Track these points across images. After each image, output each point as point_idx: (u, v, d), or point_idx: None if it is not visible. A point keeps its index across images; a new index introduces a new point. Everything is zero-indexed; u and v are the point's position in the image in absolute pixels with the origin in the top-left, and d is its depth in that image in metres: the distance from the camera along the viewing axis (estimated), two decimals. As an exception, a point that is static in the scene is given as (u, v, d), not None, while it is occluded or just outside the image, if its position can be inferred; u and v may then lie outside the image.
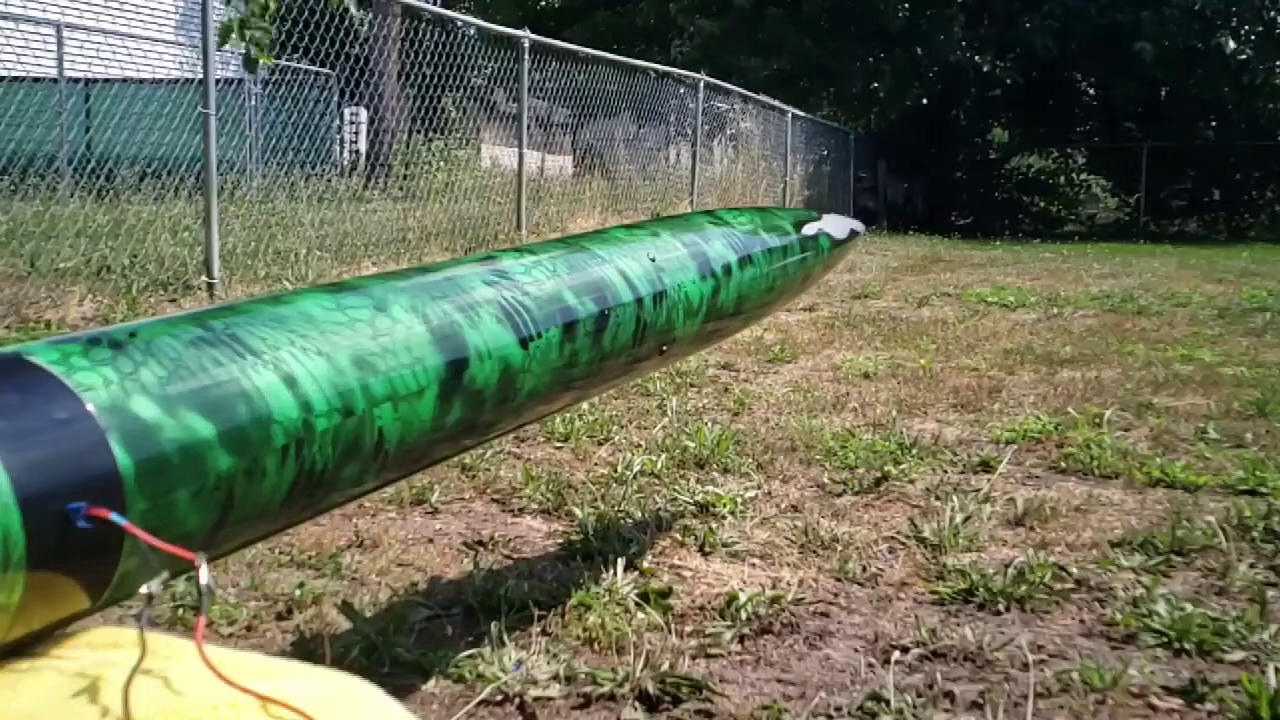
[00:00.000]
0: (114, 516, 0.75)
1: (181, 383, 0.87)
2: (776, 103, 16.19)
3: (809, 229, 2.00)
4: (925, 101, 20.79)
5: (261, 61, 4.79)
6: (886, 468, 2.77)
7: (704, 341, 1.81)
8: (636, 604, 1.85)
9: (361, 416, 1.01)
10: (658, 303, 1.50)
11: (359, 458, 1.03)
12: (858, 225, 2.27)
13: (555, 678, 1.58)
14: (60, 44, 11.18)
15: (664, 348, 1.60)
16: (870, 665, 1.67)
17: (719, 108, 14.75)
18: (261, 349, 0.95)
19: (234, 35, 4.80)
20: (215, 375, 0.90)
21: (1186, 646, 1.72)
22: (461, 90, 9.85)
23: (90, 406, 0.79)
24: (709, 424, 3.21)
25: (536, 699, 1.53)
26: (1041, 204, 23.43)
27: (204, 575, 0.78)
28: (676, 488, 2.57)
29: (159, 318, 0.98)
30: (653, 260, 1.53)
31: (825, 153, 19.20)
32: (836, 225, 2.12)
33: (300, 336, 1.00)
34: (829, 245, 2.08)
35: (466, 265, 1.28)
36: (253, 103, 10.65)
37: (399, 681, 1.56)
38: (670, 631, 1.76)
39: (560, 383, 1.34)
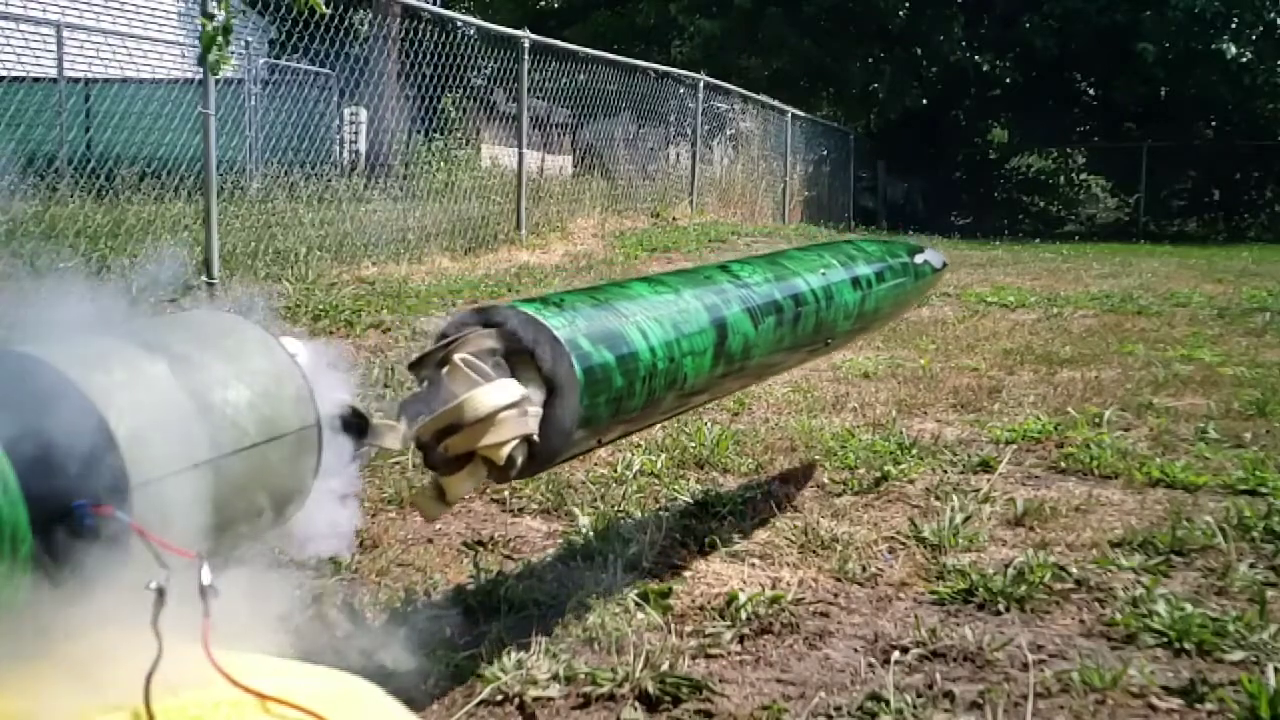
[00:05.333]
0: (119, 514, 0.75)
1: (596, 329, 1.39)
2: (776, 103, 16.19)
3: (918, 258, 2.50)
4: (925, 101, 20.79)
5: (262, 61, 4.90)
6: (886, 468, 2.77)
7: (851, 337, 2.30)
8: (636, 604, 1.85)
9: (678, 362, 1.52)
10: (829, 305, 1.99)
11: (673, 391, 1.54)
12: (945, 258, 2.79)
13: (555, 678, 1.58)
14: (60, 44, 11.18)
15: (828, 340, 2.10)
16: (870, 665, 1.67)
17: (719, 108, 14.75)
18: (626, 313, 1.47)
19: (219, 40, 4.91)
20: (610, 327, 1.41)
21: (1186, 646, 1.72)
22: (461, 90, 9.85)
23: (559, 334, 1.31)
24: (709, 424, 3.21)
25: (536, 699, 1.53)
26: (1041, 204, 23.44)
27: (205, 574, 0.78)
28: (676, 488, 2.57)
29: (565, 290, 1.53)
30: (823, 274, 2.01)
31: (825, 153, 19.22)
32: (934, 256, 2.62)
33: (643, 308, 1.51)
34: (930, 271, 2.59)
35: (713, 269, 1.82)
36: (252, 103, 10.64)
37: (399, 682, 1.56)
38: (670, 631, 1.76)
39: (772, 357, 1.84)
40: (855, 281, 2.10)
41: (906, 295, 2.44)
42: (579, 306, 1.41)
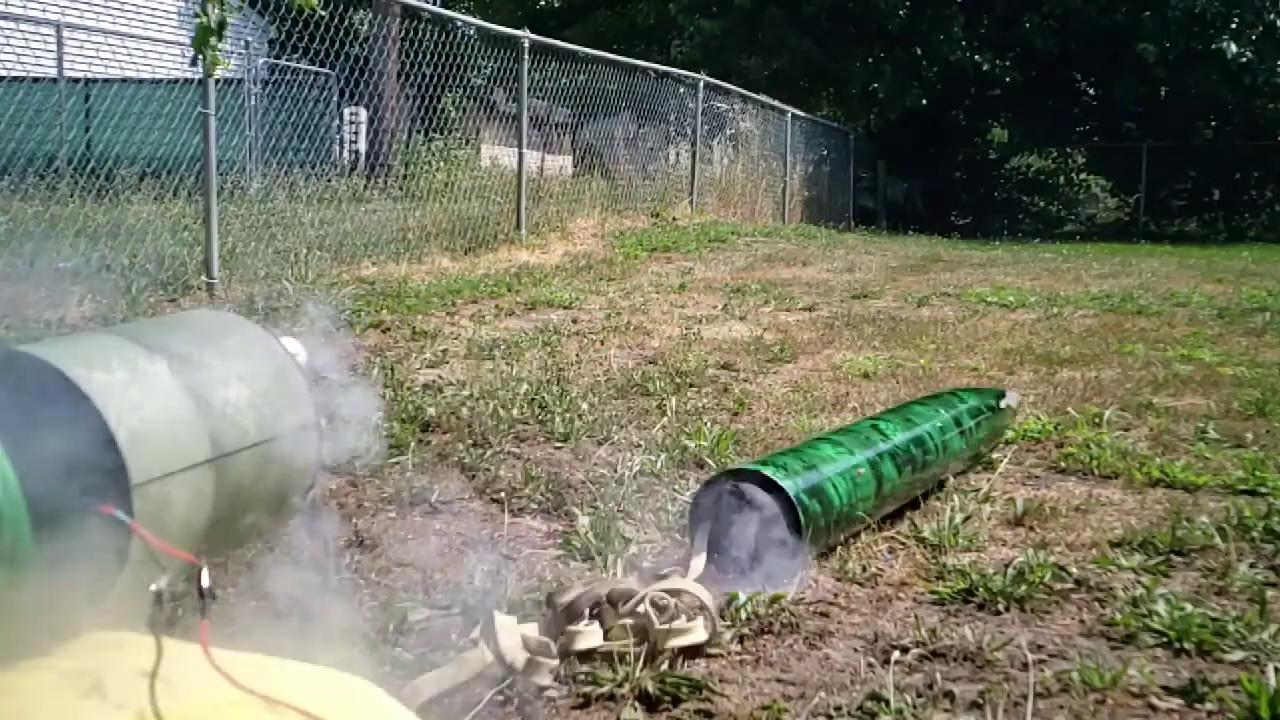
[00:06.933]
0: (121, 515, 0.75)
1: (808, 485, 2.07)
2: (776, 103, 16.20)
3: (1003, 402, 2.98)
4: (925, 101, 20.79)
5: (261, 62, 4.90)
6: (886, 468, 2.77)
7: (951, 471, 2.69)
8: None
9: (854, 506, 2.16)
10: (943, 452, 2.54)
11: (849, 524, 2.18)
12: (1019, 396, 3.34)
13: (555, 677, 1.58)
14: (60, 44, 11.18)
15: (941, 481, 2.59)
16: (870, 665, 1.67)
17: (719, 108, 14.75)
18: (824, 472, 2.15)
19: (213, 38, 4.90)
20: (815, 483, 2.10)
21: (1186, 646, 1.72)
22: (461, 90, 9.85)
23: (790, 492, 2.02)
24: (709, 424, 3.20)
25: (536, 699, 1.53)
26: (1041, 204, 23.44)
27: (205, 578, 0.78)
28: (676, 488, 2.57)
29: (776, 454, 2.30)
30: (940, 427, 2.56)
31: (825, 153, 19.21)
32: (1013, 398, 3.10)
33: (833, 468, 2.18)
34: (1011, 412, 3.07)
35: (868, 428, 2.45)
36: (252, 103, 10.65)
37: (399, 681, 1.56)
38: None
39: (903, 492, 2.39)
40: (961, 432, 2.65)
41: (996, 432, 2.95)
42: (796, 469, 2.09)
